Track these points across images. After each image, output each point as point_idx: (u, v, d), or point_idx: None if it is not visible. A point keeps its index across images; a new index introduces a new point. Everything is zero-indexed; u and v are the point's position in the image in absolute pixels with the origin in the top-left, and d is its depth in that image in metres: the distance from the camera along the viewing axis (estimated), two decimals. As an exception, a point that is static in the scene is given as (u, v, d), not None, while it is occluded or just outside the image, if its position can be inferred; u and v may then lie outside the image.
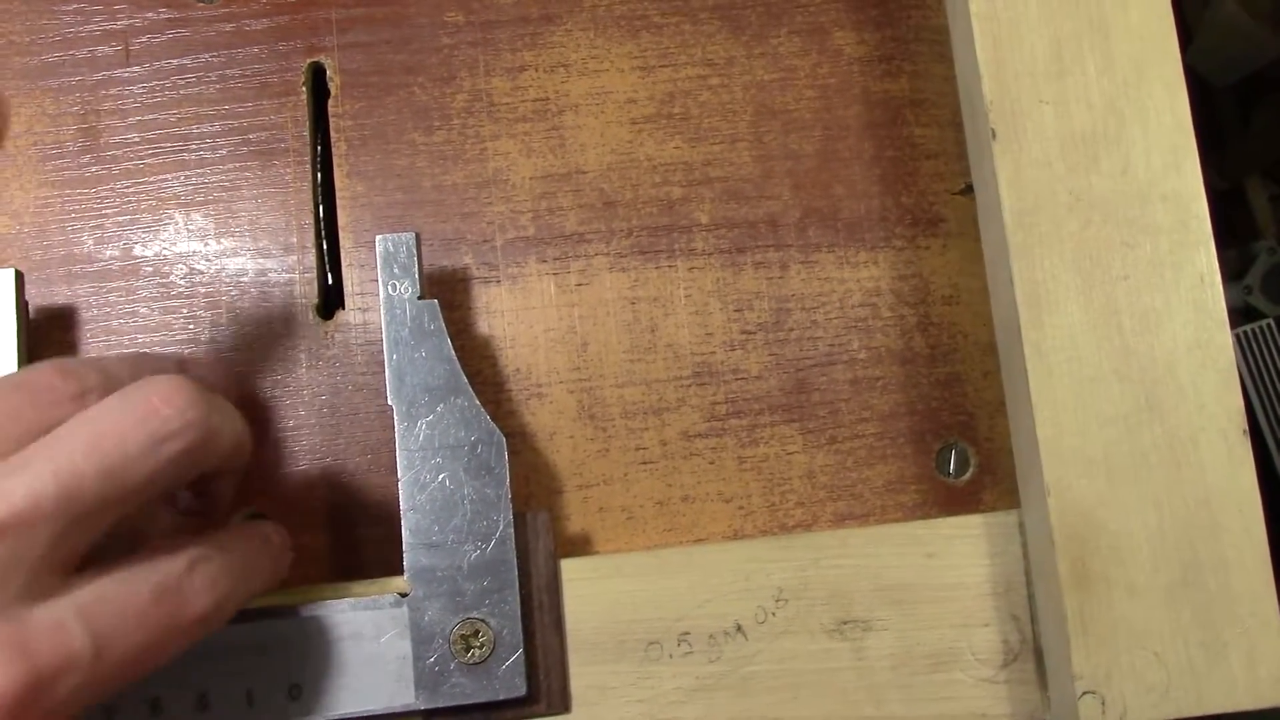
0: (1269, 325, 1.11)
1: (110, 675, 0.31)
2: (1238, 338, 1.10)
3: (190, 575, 0.33)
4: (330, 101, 0.44)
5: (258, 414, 0.42)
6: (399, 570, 0.39)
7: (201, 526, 0.38)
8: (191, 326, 0.42)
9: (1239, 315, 1.16)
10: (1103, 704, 0.38)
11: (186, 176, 0.43)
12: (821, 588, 0.40)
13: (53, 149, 0.43)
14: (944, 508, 0.42)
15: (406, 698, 0.38)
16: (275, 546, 0.37)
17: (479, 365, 0.42)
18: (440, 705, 0.38)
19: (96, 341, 0.42)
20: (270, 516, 0.41)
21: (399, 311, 0.39)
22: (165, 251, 0.42)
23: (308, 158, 0.43)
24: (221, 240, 0.43)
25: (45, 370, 0.32)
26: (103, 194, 0.43)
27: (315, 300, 0.42)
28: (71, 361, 0.33)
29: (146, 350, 0.42)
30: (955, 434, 0.43)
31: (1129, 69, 0.40)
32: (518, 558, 0.38)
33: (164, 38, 0.43)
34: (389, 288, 0.39)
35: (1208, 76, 1.15)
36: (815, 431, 0.43)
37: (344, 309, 0.42)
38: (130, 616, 0.31)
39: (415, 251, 0.39)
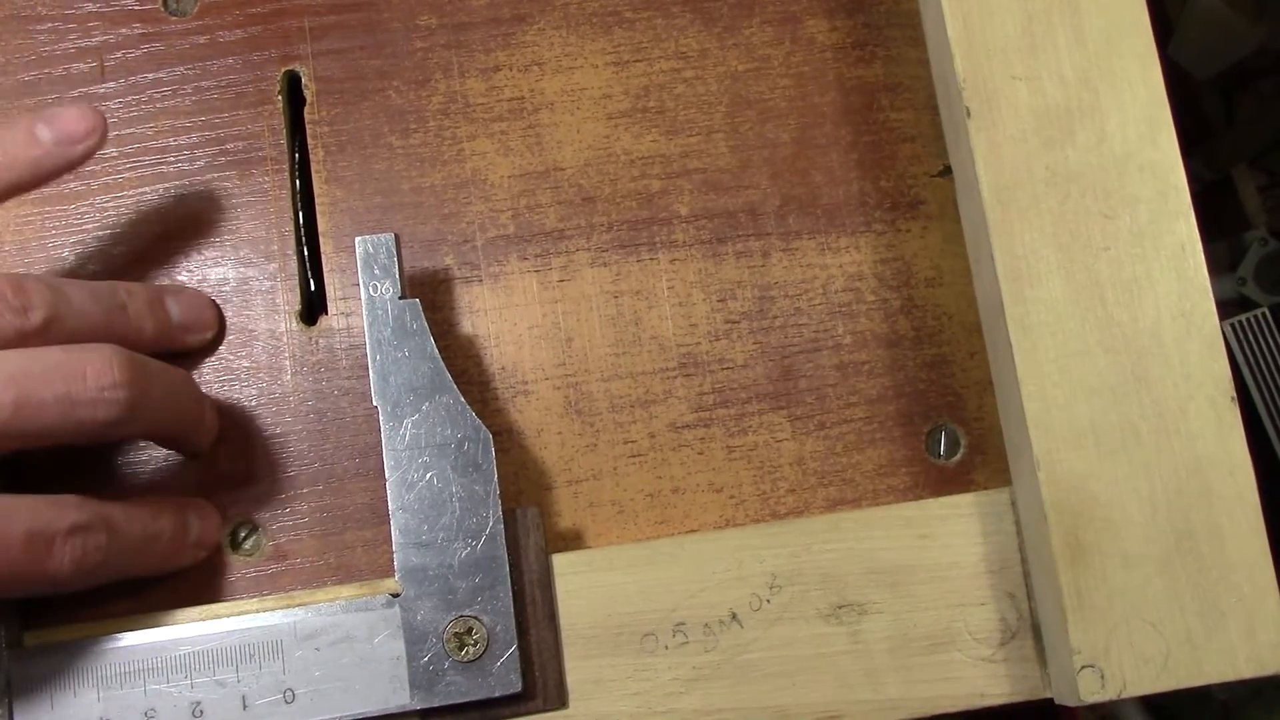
0: (1264, 314, 1.11)
1: None
2: (1232, 328, 1.10)
3: (67, 538, 0.35)
4: (306, 109, 0.44)
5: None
6: (391, 572, 0.39)
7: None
8: (175, 337, 0.42)
9: (1234, 306, 1.16)
10: (1102, 677, 0.37)
11: (165, 189, 0.43)
12: (815, 573, 0.40)
13: (31, 167, 0.43)
14: (935, 489, 0.42)
15: (402, 698, 0.38)
16: (168, 537, 0.39)
17: (464, 364, 0.42)
18: (436, 704, 0.38)
19: (80, 356, 0.41)
20: (261, 525, 0.41)
21: (381, 312, 0.39)
22: (146, 264, 0.42)
23: (286, 165, 0.43)
24: (202, 250, 0.43)
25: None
26: (82, 209, 0.43)
27: (298, 307, 0.42)
28: (31, 279, 0.36)
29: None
30: (944, 415, 0.43)
31: (1100, 42, 0.40)
32: (509, 554, 0.38)
33: (138, 52, 0.44)
34: (370, 289, 0.39)
35: (1190, 69, 1.16)
36: (803, 418, 0.42)
37: (327, 314, 0.42)
38: None
39: (395, 252, 0.39)
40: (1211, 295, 0.39)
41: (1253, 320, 1.10)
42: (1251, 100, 1.21)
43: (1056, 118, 0.40)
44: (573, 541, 0.41)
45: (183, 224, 0.43)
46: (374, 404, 0.38)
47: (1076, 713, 0.91)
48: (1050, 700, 0.41)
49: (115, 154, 0.43)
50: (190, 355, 0.42)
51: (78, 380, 0.34)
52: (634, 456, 0.42)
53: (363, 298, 0.39)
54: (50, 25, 0.44)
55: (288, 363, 0.42)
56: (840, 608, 0.40)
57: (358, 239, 0.39)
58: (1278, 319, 1.09)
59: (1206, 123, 1.21)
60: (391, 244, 0.39)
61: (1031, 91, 0.40)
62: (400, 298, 0.39)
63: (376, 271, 0.39)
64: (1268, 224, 1.20)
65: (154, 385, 0.36)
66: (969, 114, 0.40)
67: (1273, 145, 1.20)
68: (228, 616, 0.38)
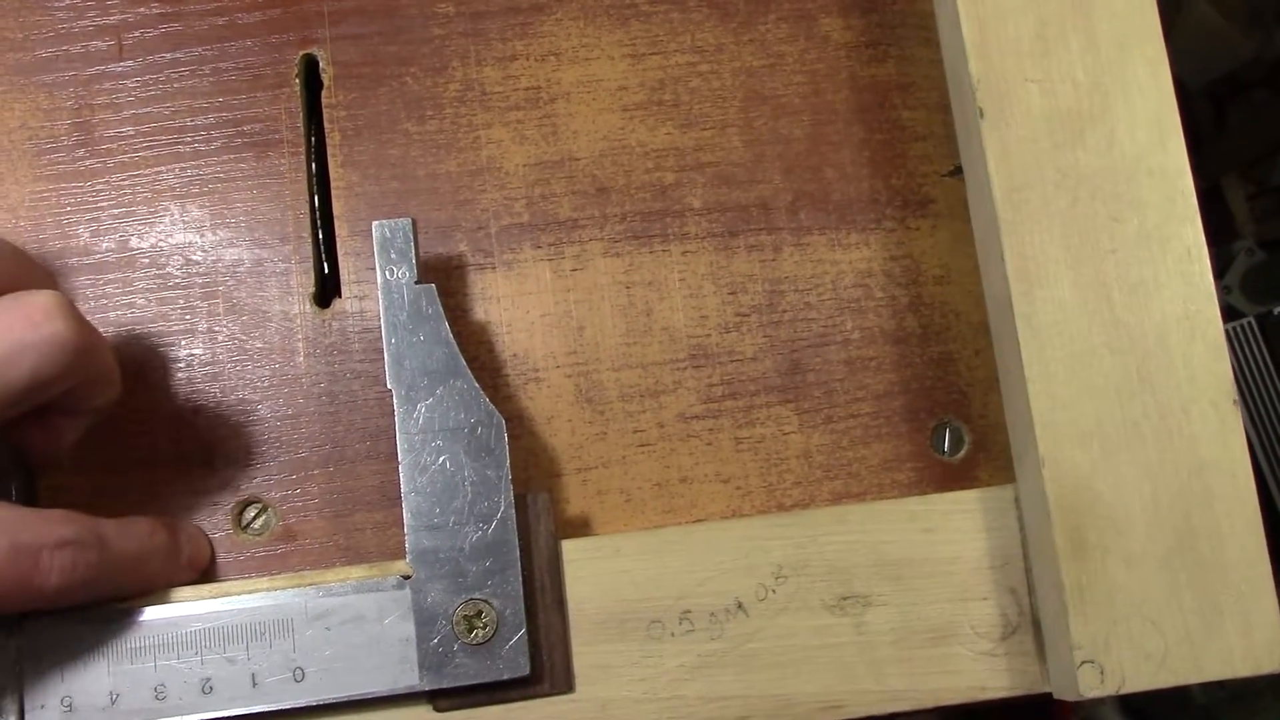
0: (1249, 324, 1.12)
1: None
2: (1218, 335, 1.11)
3: (55, 552, 0.34)
4: (324, 93, 0.44)
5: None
6: (401, 554, 0.39)
7: (30, 464, 0.39)
8: (189, 317, 0.42)
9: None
10: (1101, 673, 0.38)
11: (182, 169, 0.43)
12: (821, 564, 0.41)
13: (47, 144, 0.43)
14: (940, 485, 0.43)
15: (411, 679, 0.38)
16: (161, 557, 0.38)
17: (476, 351, 0.42)
18: (444, 686, 0.38)
19: (94, 333, 0.42)
20: (271, 505, 0.41)
21: (397, 296, 0.39)
22: (161, 243, 0.43)
23: (302, 148, 0.43)
24: (217, 231, 0.43)
25: None
26: (98, 187, 0.43)
27: (312, 289, 0.43)
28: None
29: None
30: (949, 412, 0.43)
31: (1112, 47, 0.41)
32: (519, 538, 0.39)
33: (157, 32, 0.44)
34: (386, 273, 0.39)
35: (1182, 77, 1.17)
36: (811, 412, 0.43)
37: (340, 297, 0.43)
38: None
39: (411, 237, 0.39)
40: (1216, 300, 0.40)
41: (1238, 330, 1.12)
42: (1242, 110, 1.22)
43: (1068, 121, 0.41)
44: (581, 528, 0.42)
45: (198, 204, 0.43)
46: (388, 387, 0.39)
47: (1069, 708, 0.92)
48: (1047, 695, 0.41)
49: (132, 133, 0.43)
50: (202, 335, 0.42)
51: (26, 325, 0.33)
52: (643, 446, 0.42)
53: (379, 282, 0.39)
54: (69, 3, 0.44)
55: (301, 345, 0.42)
56: (845, 599, 0.41)
57: (375, 223, 0.39)
58: (1263, 328, 1.11)
59: (1197, 131, 1.22)
60: (409, 229, 0.39)
61: (1044, 94, 0.41)
62: (416, 282, 0.39)
63: (393, 256, 0.39)
64: (1255, 234, 1.21)
65: (88, 328, 0.35)
66: (982, 115, 0.41)
67: (1262, 155, 1.21)
68: (239, 594, 0.38)
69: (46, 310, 0.33)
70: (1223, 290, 1.17)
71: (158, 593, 0.39)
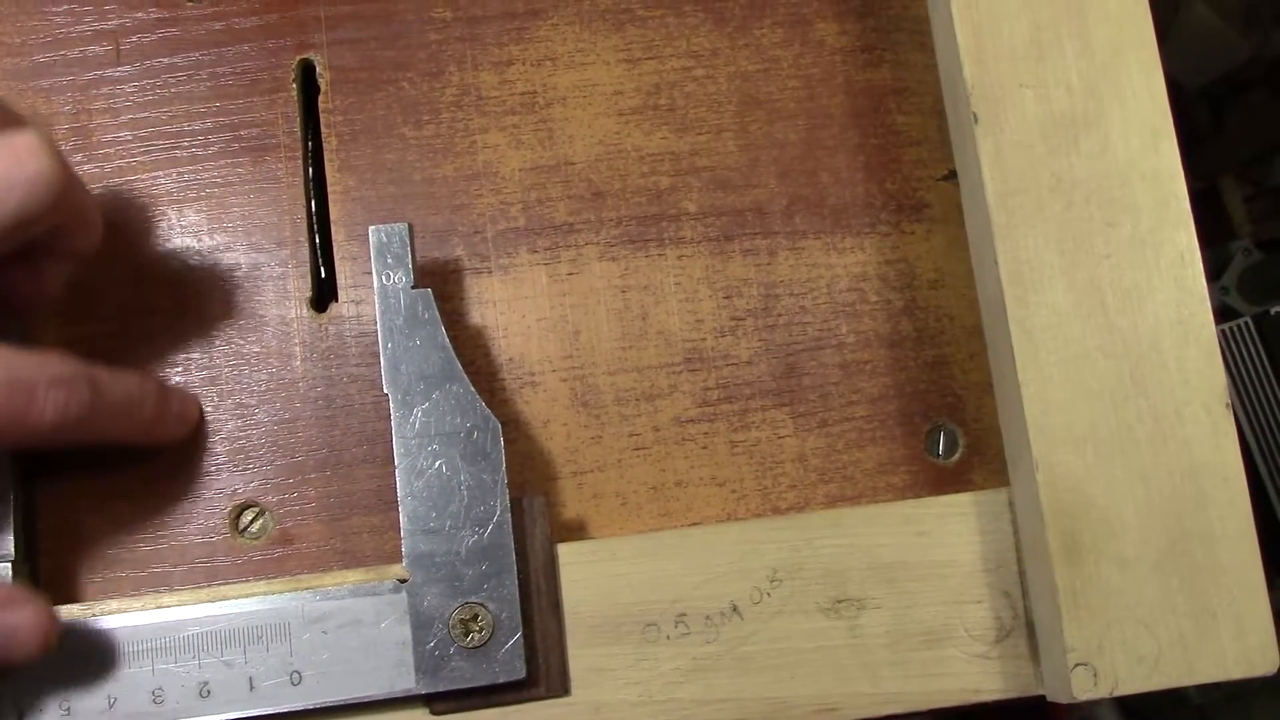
0: (1246, 324, 1.12)
1: None
2: (1215, 336, 1.11)
3: (50, 388, 0.35)
4: (320, 97, 0.44)
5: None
6: (398, 558, 0.39)
7: (17, 309, 0.40)
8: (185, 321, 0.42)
9: (1216, 315, 1.17)
10: (1095, 675, 0.38)
11: (179, 173, 0.43)
12: (815, 567, 0.41)
13: (45, 148, 0.43)
14: (934, 488, 0.43)
15: (407, 682, 0.38)
16: (151, 405, 0.39)
17: (472, 355, 0.43)
18: (440, 689, 0.38)
19: (91, 337, 0.42)
20: (268, 509, 0.41)
21: (393, 301, 0.39)
22: (159, 248, 0.43)
23: (299, 153, 0.44)
24: (214, 236, 0.43)
25: None
26: (95, 192, 0.43)
27: (309, 294, 0.43)
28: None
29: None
30: (943, 415, 0.44)
31: (1106, 52, 0.41)
32: (515, 542, 0.39)
33: (154, 37, 0.44)
34: (383, 277, 0.39)
35: (1179, 79, 1.17)
36: (806, 415, 0.43)
37: (337, 302, 0.43)
38: None
39: (408, 242, 0.39)
40: (1209, 304, 0.40)
41: (1235, 330, 1.12)
42: (1240, 111, 1.22)
43: (1062, 125, 0.41)
44: (576, 532, 0.42)
45: (195, 209, 0.43)
46: (385, 391, 0.39)
47: (1063, 710, 0.92)
48: (1040, 698, 0.41)
49: (130, 138, 0.43)
50: (200, 338, 0.42)
51: (13, 163, 0.34)
52: (638, 449, 0.43)
53: (375, 286, 0.39)
54: (67, 7, 0.44)
55: (298, 349, 0.42)
56: (839, 602, 0.41)
57: (372, 228, 0.39)
58: (1260, 329, 1.11)
59: (1194, 132, 1.22)
60: (405, 234, 0.39)
61: (1038, 99, 0.41)
62: (413, 287, 0.39)
63: (390, 261, 0.39)
64: (1252, 234, 1.22)
65: (69, 166, 0.36)
66: (976, 120, 0.41)
67: (1260, 155, 1.21)
68: (236, 598, 0.38)
69: (31, 148, 0.34)
70: (1220, 290, 1.18)
71: (157, 593, 0.39)
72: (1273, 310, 1.10)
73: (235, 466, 0.42)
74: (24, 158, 0.34)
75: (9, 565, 0.38)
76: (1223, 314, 1.17)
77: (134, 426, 0.39)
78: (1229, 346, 1.12)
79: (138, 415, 0.39)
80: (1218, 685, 0.39)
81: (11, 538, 0.38)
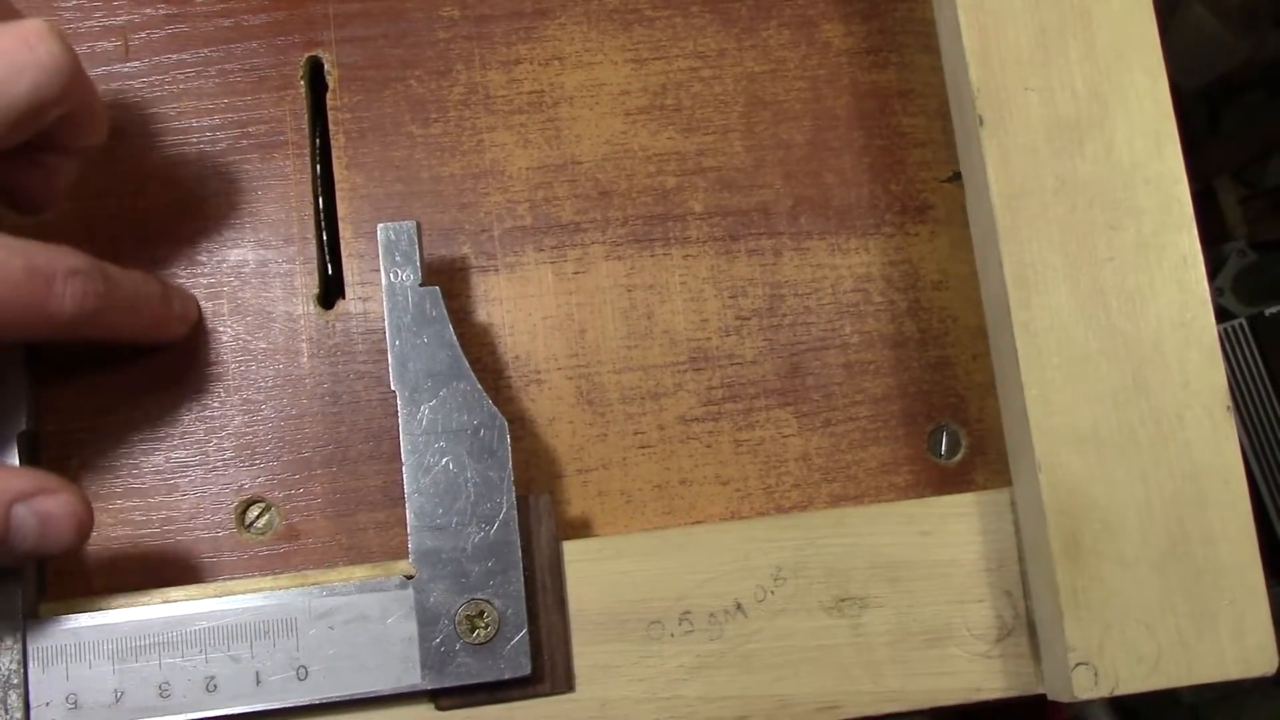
0: (1241, 325, 1.12)
1: None
2: (1210, 337, 1.12)
3: (68, 278, 0.35)
4: (328, 95, 0.44)
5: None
6: (404, 554, 0.39)
7: (31, 204, 0.40)
8: (193, 317, 0.42)
9: (1211, 316, 1.18)
10: (1095, 675, 0.38)
11: (187, 170, 0.43)
12: (819, 566, 0.41)
13: (53, 143, 0.43)
14: (936, 488, 0.43)
15: (413, 678, 0.38)
16: (157, 301, 0.40)
17: (479, 353, 0.43)
18: (446, 685, 0.38)
19: (99, 332, 0.42)
20: (274, 504, 0.41)
21: (401, 298, 0.39)
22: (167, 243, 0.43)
23: (307, 150, 0.44)
24: (222, 232, 0.43)
25: None
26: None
27: (316, 290, 0.43)
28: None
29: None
30: (946, 416, 0.44)
31: (1111, 56, 0.41)
32: (521, 539, 0.39)
33: (163, 33, 0.44)
34: (391, 275, 0.40)
35: (1176, 80, 1.17)
36: (810, 415, 0.43)
37: (344, 299, 0.43)
38: None
39: (416, 239, 0.40)
40: (1211, 307, 0.40)
41: (1230, 331, 1.12)
42: (1236, 112, 1.23)
43: (1066, 129, 0.41)
44: (581, 529, 0.42)
45: (203, 205, 0.43)
46: (392, 389, 0.39)
47: (1060, 706, 0.92)
48: (1036, 697, 0.42)
49: (138, 134, 0.43)
50: (206, 335, 0.42)
51: (22, 47, 0.34)
52: (643, 448, 0.43)
53: (383, 284, 0.39)
54: (75, 3, 0.44)
55: (304, 345, 0.42)
56: (842, 601, 0.41)
57: (380, 226, 0.39)
58: (1254, 330, 1.11)
59: (1190, 133, 1.23)
60: (413, 231, 0.40)
61: (1043, 102, 0.41)
62: (420, 285, 0.40)
63: (398, 258, 0.40)
64: (1247, 235, 1.22)
65: (76, 53, 0.36)
66: (982, 122, 0.41)
67: (1255, 157, 1.22)
68: (243, 593, 0.38)
69: (40, 32, 0.34)
70: (1215, 291, 1.18)
71: (165, 588, 0.39)
72: (1267, 311, 1.11)
73: (242, 462, 0.42)
74: (34, 42, 0.34)
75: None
76: (1217, 315, 1.17)
77: (141, 322, 0.40)
78: (1224, 348, 1.12)
79: (145, 311, 0.40)
80: (1210, 684, 0.39)
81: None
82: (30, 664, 0.37)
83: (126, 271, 0.39)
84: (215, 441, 0.42)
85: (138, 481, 0.41)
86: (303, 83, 0.44)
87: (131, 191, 0.43)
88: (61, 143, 0.38)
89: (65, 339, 0.37)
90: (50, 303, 0.35)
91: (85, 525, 0.36)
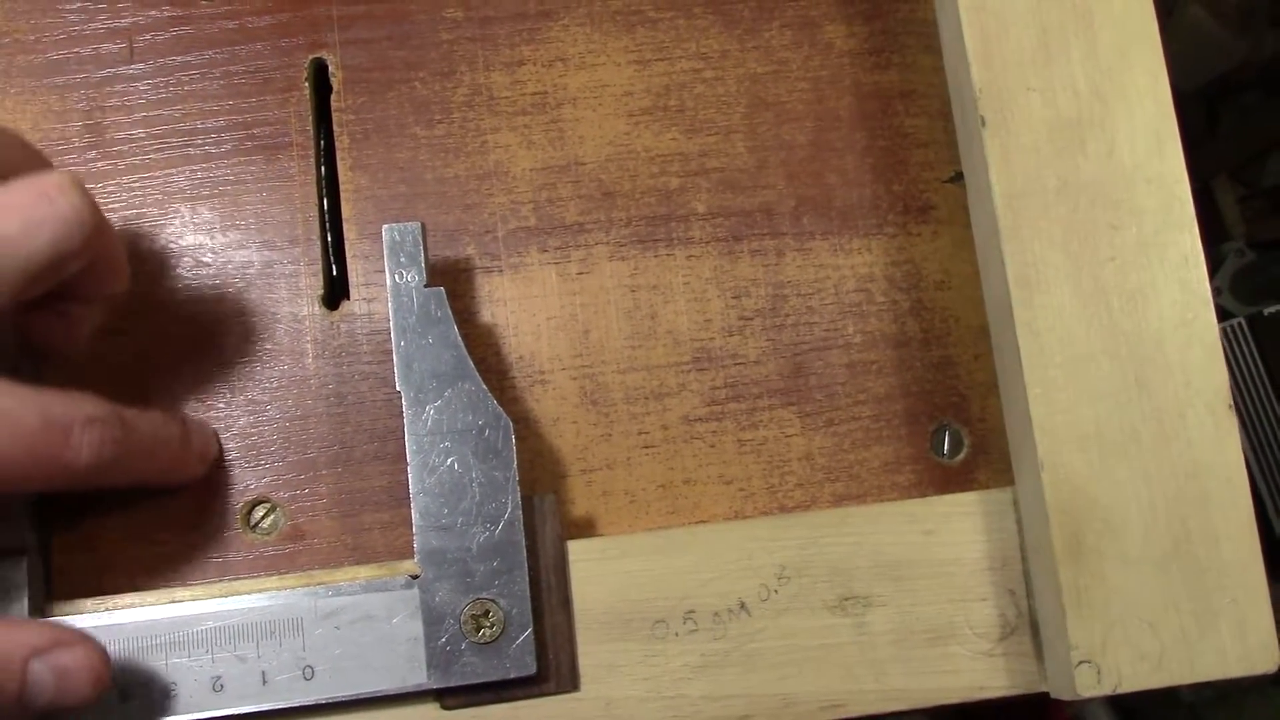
0: (1239, 324, 1.13)
1: None
2: (1209, 336, 1.12)
3: (84, 427, 0.35)
4: (333, 96, 0.44)
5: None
6: (409, 554, 0.39)
7: (54, 352, 0.40)
8: (198, 318, 0.43)
9: (1209, 315, 1.18)
10: (1098, 673, 0.39)
11: (192, 171, 0.43)
12: (822, 565, 0.41)
13: (59, 145, 0.43)
14: (939, 487, 0.43)
15: (419, 677, 0.38)
16: (177, 444, 0.39)
17: (483, 353, 0.43)
18: (452, 684, 0.38)
19: (105, 334, 0.42)
20: (279, 504, 0.42)
21: (406, 299, 0.40)
22: (172, 245, 0.43)
23: (311, 152, 0.44)
24: (227, 233, 0.43)
25: None
26: (109, 189, 0.43)
27: (320, 291, 0.43)
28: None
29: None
30: (949, 415, 0.44)
31: (1112, 56, 0.42)
32: (526, 539, 0.39)
33: (168, 35, 0.44)
34: (396, 276, 0.40)
35: (1173, 80, 1.17)
36: (813, 414, 0.44)
37: (349, 299, 0.43)
38: (10, 429, 0.33)
39: (421, 240, 0.40)
40: (1213, 306, 0.41)
41: (1228, 330, 1.12)
42: (1233, 112, 1.23)
43: (1068, 129, 0.41)
44: (585, 529, 0.42)
45: (208, 207, 0.43)
46: (397, 389, 0.39)
47: (1060, 705, 0.92)
48: (1036, 696, 0.42)
49: (143, 135, 0.43)
50: (212, 336, 0.42)
51: (41, 201, 0.34)
52: (647, 448, 0.43)
53: (388, 285, 0.40)
54: (80, 5, 0.44)
55: (309, 346, 0.43)
56: (846, 600, 0.41)
57: (385, 227, 0.40)
58: (1253, 329, 1.11)
59: (1188, 133, 1.23)
60: (418, 232, 0.40)
61: (1045, 103, 0.41)
62: (425, 286, 0.40)
63: (403, 259, 0.40)
64: (1245, 235, 1.22)
65: (97, 207, 0.36)
66: (984, 123, 0.41)
67: (1253, 157, 1.22)
68: (249, 593, 0.39)
69: (61, 186, 0.34)
70: (1213, 291, 1.18)
71: (171, 588, 0.39)
72: (1266, 311, 1.11)
73: (247, 462, 0.42)
74: (54, 196, 0.34)
75: (24, 559, 0.38)
76: (1216, 315, 1.17)
77: (159, 466, 0.39)
78: (1222, 347, 1.13)
79: (163, 454, 0.39)
80: (1209, 683, 0.39)
81: (25, 531, 0.39)
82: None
83: (145, 413, 0.38)
84: (221, 442, 0.42)
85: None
86: (307, 84, 0.44)
87: (138, 192, 0.43)
88: (83, 292, 0.38)
89: (81, 487, 0.36)
90: (67, 454, 0.34)
91: (102, 679, 0.35)
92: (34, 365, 0.40)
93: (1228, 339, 1.12)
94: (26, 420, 0.34)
